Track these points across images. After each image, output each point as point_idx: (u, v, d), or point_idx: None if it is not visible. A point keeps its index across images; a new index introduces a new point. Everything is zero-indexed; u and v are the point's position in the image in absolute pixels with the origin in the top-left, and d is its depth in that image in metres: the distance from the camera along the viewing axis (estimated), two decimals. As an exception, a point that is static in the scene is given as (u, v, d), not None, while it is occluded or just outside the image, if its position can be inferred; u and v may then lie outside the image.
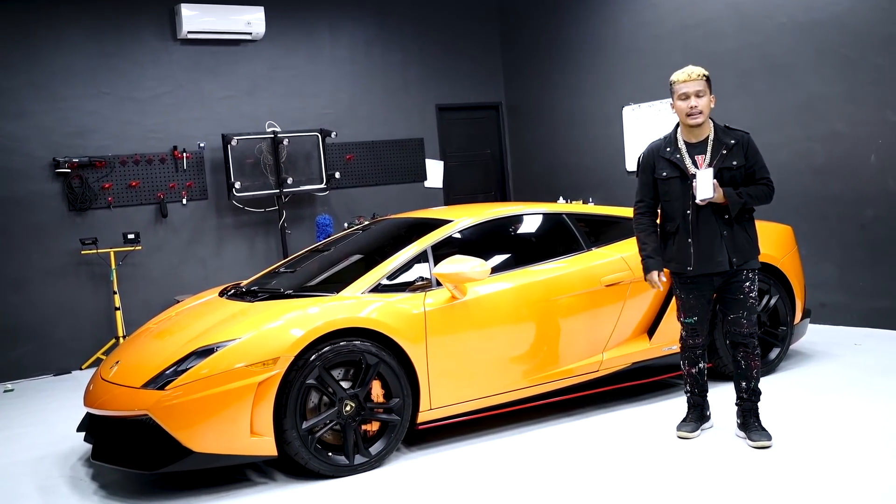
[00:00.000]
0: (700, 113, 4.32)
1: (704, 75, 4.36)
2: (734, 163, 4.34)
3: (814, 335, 6.57)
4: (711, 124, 4.43)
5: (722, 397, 5.06)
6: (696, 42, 7.96)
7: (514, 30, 10.23)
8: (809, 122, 6.98)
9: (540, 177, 10.07)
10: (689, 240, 4.38)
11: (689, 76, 4.33)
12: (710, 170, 4.27)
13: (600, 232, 5.65)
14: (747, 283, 4.39)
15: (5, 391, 7.17)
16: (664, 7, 8.28)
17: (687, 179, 4.37)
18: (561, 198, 9.03)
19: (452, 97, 10.08)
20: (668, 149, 4.46)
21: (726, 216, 4.34)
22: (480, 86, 10.31)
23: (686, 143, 4.42)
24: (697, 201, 4.29)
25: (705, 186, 4.24)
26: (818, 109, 6.98)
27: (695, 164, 4.37)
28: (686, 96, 4.33)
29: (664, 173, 4.46)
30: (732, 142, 4.36)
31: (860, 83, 6.69)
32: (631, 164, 8.75)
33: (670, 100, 4.45)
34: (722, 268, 4.35)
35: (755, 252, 4.44)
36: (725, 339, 5.36)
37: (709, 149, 4.37)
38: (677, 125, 4.50)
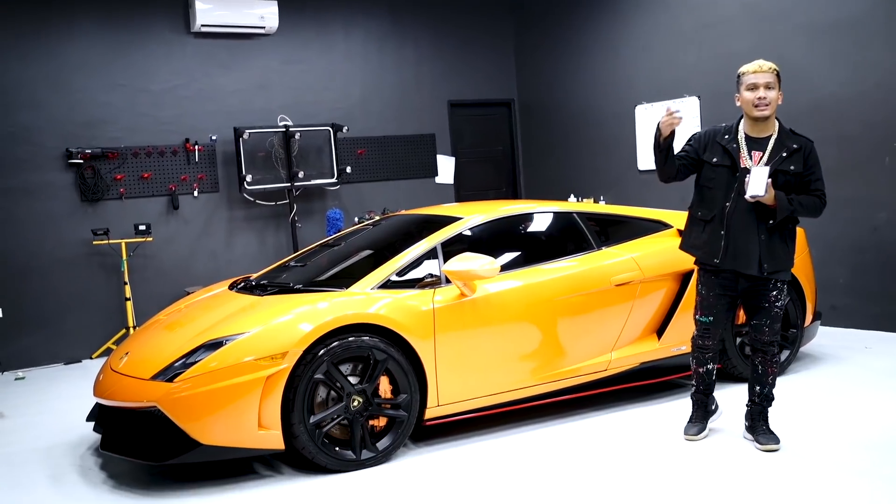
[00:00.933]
0: (767, 105, 4.16)
1: (775, 69, 4.22)
2: (791, 167, 4.18)
3: (824, 338, 6.54)
4: (777, 124, 4.28)
5: (731, 399, 5.04)
6: (710, 42, 7.93)
7: (527, 26, 10.21)
8: (822, 124, 6.93)
9: (551, 175, 10.06)
10: (722, 232, 4.27)
11: (759, 67, 4.20)
12: (767, 168, 4.12)
13: (611, 231, 5.64)
14: (774, 293, 4.30)
15: (16, 379, 7.22)
16: (679, 6, 8.24)
17: (737, 171, 4.24)
18: (572, 196, 9.01)
19: (465, 93, 10.07)
20: (727, 136, 4.32)
21: (771, 221, 4.20)
22: (493, 82, 10.30)
23: (747, 136, 4.28)
24: (747, 197, 4.13)
25: (758, 184, 4.08)
26: (831, 111, 6.94)
27: (750, 158, 4.23)
28: (755, 87, 4.18)
29: (714, 159, 4.32)
30: (795, 146, 4.20)
31: (874, 85, 6.65)
32: (643, 164, 8.73)
33: (736, 93, 4.30)
34: (750, 270, 4.23)
35: (789, 263, 4.30)
36: (735, 342, 5.38)
37: (769, 147, 4.21)
38: (740, 118, 4.35)
